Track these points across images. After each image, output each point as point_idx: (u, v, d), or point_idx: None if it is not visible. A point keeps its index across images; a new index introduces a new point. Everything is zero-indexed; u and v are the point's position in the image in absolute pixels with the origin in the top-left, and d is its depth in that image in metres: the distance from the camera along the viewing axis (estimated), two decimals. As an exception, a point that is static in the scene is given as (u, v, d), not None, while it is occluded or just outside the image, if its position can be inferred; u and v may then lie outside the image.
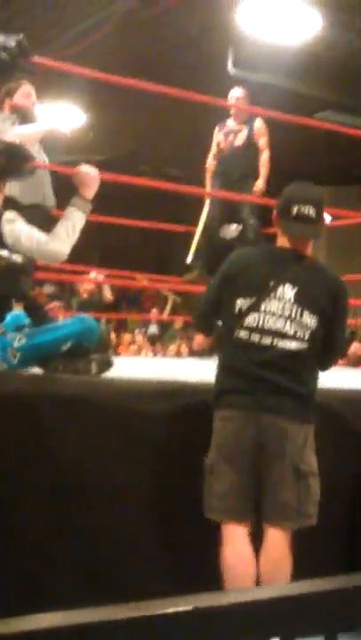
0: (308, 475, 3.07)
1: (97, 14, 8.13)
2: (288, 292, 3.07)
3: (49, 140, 4.41)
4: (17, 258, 3.26)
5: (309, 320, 3.06)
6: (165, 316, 12.36)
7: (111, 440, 3.20)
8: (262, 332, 3.05)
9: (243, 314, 3.08)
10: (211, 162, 6.36)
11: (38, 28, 8.51)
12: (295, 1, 7.71)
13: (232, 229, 6.16)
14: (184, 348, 12.16)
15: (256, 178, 6.20)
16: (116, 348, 11.98)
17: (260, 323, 3.05)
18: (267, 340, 3.04)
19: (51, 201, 4.51)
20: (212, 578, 2.98)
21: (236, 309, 3.10)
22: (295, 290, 3.06)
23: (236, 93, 6.29)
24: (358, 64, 9.39)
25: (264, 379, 3.03)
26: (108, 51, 8.69)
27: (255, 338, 3.05)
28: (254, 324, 3.06)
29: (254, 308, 3.06)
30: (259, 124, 6.22)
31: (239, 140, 6.21)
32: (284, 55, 8.81)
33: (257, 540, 3.08)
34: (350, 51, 9.01)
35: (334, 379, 3.69)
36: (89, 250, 5.76)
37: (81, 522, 3.11)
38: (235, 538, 3.06)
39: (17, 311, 3.48)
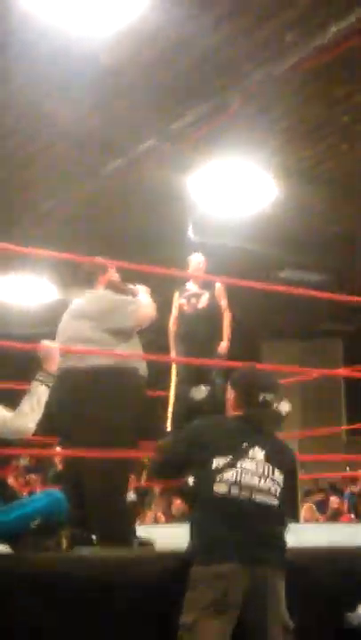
0: (291, 631, 3.19)
1: (60, 193, 8.47)
2: (259, 453, 3.34)
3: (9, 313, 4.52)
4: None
5: (279, 478, 3.34)
6: (143, 482, 12.13)
7: (87, 614, 3.11)
8: (241, 486, 3.26)
9: (220, 470, 3.28)
10: (172, 326, 6.47)
11: (4, 209, 8.85)
12: (248, 169, 8.09)
13: (201, 390, 6.20)
14: (160, 516, 11.89)
15: (220, 339, 6.31)
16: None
17: (238, 478, 3.26)
18: (245, 494, 3.25)
19: None
20: None
21: (213, 467, 3.29)
22: (264, 451, 3.35)
23: (196, 259, 6.48)
24: (314, 223, 9.78)
25: (250, 531, 3.21)
26: (72, 228, 9.02)
27: (235, 491, 3.25)
28: (233, 479, 3.26)
29: (231, 465, 3.28)
30: (218, 286, 6.39)
31: (202, 302, 6.36)
32: (242, 219, 9.17)
33: None
34: (305, 211, 9.41)
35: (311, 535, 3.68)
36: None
37: None
38: None
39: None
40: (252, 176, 8.24)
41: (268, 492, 3.29)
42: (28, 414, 3.40)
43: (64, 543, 3.39)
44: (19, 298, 11.20)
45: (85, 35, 5.80)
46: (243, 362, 5.09)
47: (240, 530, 3.21)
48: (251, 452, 3.33)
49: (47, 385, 3.49)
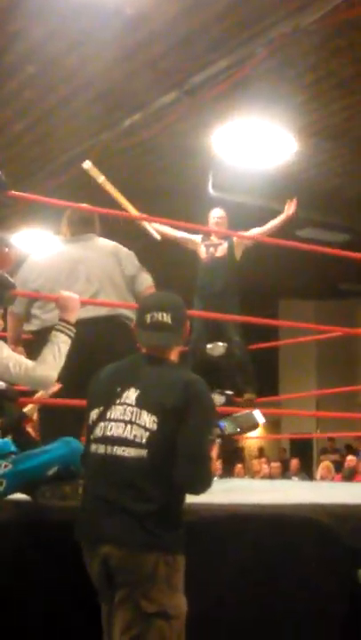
0: (154, 616, 2.58)
1: (78, 146, 8.40)
2: (132, 395, 2.78)
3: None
4: (0, 384, 3.26)
5: (147, 420, 2.70)
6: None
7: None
8: (105, 441, 2.75)
9: (92, 425, 2.82)
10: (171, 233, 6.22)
11: (22, 161, 8.79)
12: (270, 126, 7.99)
13: (219, 347, 6.19)
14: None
15: (237, 293, 6.27)
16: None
17: (103, 432, 2.77)
18: (107, 449, 2.73)
19: None
20: None
21: (89, 423, 2.85)
22: (137, 392, 2.78)
23: (216, 214, 6.44)
24: (334, 184, 9.69)
25: (102, 498, 2.69)
26: (88, 181, 8.94)
27: (100, 449, 2.76)
28: (100, 434, 2.78)
29: (101, 417, 2.80)
30: (236, 239, 6.34)
31: (220, 252, 6.32)
32: (262, 177, 9.09)
33: None
34: (325, 171, 9.32)
35: (326, 493, 3.64)
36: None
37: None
38: None
39: (2, 439, 3.47)
40: (274, 132, 8.14)
41: (131, 441, 2.68)
42: (51, 363, 3.37)
43: (81, 492, 3.40)
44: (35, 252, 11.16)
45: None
46: (260, 318, 5.10)
47: (98, 499, 2.70)
48: (124, 396, 2.78)
49: (68, 335, 3.47)
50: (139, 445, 2.67)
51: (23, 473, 3.30)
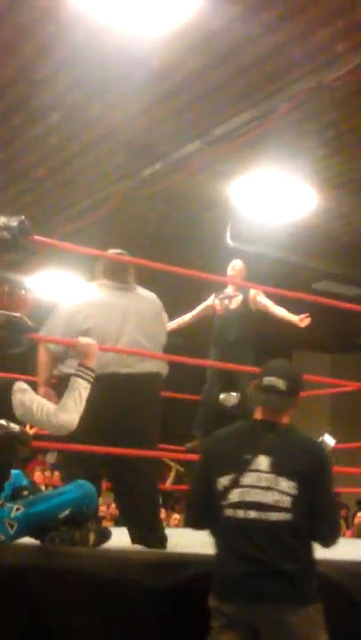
0: None
1: (99, 192, 8.48)
2: (263, 462, 3.02)
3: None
4: (14, 427, 3.25)
5: (288, 486, 2.96)
6: (168, 485, 12.16)
7: (111, 613, 3.09)
8: (245, 506, 2.97)
9: (225, 491, 3.02)
10: (186, 318, 6.45)
11: (42, 205, 8.88)
12: (290, 179, 8.04)
13: (232, 397, 6.17)
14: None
15: (251, 344, 6.27)
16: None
17: (242, 497, 2.98)
18: (250, 514, 2.95)
19: None
20: None
21: (219, 489, 3.05)
22: (269, 459, 3.01)
23: (235, 264, 6.48)
24: (353, 237, 9.71)
25: (254, 559, 2.90)
26: (108, 227, 9.02)
27: (239, 514, 2.97)
28: (237, 500, 2.98)
29: (235, 484, 3.01)
30: (253, 292, 6.35)
31: (235, 303, 6.35)
32: (281, 228, 9.12)
33: None
34: (345, 224, 9.34)
35: (337, 550, 3.58)
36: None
37: None
38: None
39: (15, 471, 3.44)
40: (294, 185, 8.18)
41: (274, 507, 2.94)
42: (72, 408, 3.38)
43: (92, 537, 3.37)
44: (52, 294, 11.19)
45: (137, 36, 5.78)
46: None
47: (244, 559, 2.92)
48: (255, 463, 3.01)
49: (88, 380, 3.48)
50: (283, 510, 2.93)
51: (36, 516, 3.27)
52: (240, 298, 6.34)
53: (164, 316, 4.63)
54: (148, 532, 4.05)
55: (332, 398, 14.59)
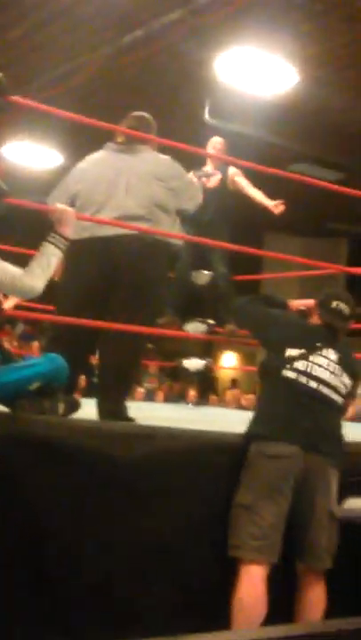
0: (336, 519, 3.38)
1: (77, 59, 8.20)
2: (332, 354, 3.58)
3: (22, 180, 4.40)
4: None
5: (347, 381, 3.58)
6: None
7: (81, 484, 3.15)
8: (310, 376, 3.47)
9: (293, 358, 3.50)
10: None
11: (19, 68, 8.57)
12: (272, 56, 7.82)
13: (204, 275, 6.16)
14: (160, 395, 12.11)
15: (226, 224, 6.19)
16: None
17: (309, 369, 3.48)
18: (313, 384, 3.46)
19: None
20: (216, 617, 2.99)
21: (286, 355, 3.52)
22: (338, 355, 3.58)
23: (216, 141, 6.35)
24: (333, 119, 9.54)
25: (313, 419, 3.40)
26: (86, 94, 8.76)
27: (302, 379, 3.46)
28: (303, 369, 3.48)
29: (304, 357, 3.51)
30: (232, 170, 6.25)
31: (213, 182, 6.23)
32: (260, 107, 8.93)
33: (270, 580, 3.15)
34: (325, 105, 9.16)
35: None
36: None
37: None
38: (255, 578, 3.13)
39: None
40: (277, 62, 7.96)
41: (335, 388, 3.51)
42: (38, 274, 3.31)
43: (61, 407, 3.40)
44: (27, 162, 10.95)
45: None
46: (245, 250, 5.10)
47: (304, 415, 3.40)
48: (324, 351, 3.54)
49: (60, 248, 3.41)
50: (339, 394, 3.54)
51: (4, 385, 3.27)
52: (219, 177, 6.23)
53: (179, 181, 4.33)
54: (118, 406, 4.02)
55: (301, 281, 14.66)
